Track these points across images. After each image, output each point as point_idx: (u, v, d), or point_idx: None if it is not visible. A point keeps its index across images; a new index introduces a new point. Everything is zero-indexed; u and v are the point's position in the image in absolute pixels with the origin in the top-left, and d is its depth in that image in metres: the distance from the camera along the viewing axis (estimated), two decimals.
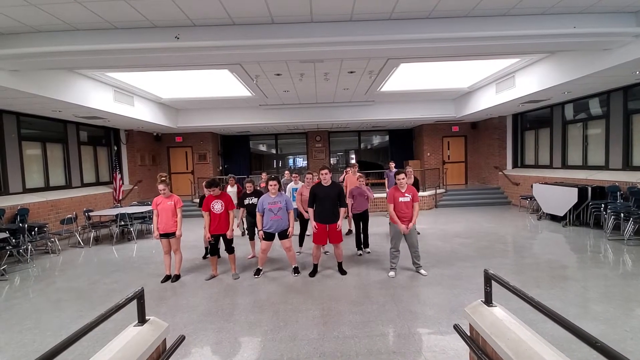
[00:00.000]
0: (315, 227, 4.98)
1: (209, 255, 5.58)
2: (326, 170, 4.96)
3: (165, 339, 2.02)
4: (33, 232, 6.78)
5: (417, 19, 5.00)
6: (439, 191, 11.74)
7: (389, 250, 5.14)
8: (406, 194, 4.85)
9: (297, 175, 7.42)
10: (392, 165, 9.25)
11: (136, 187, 11.72)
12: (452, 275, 4.99)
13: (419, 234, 7.32)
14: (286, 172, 8.81)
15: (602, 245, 6.29)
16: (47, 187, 8.63)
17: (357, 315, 3.79)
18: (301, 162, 17.00)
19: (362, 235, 6.27)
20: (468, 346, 2.05)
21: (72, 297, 4.67)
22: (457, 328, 2.19)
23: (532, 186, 9.40)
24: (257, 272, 5.28)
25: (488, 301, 2.01)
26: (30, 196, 7.91)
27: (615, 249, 5.97)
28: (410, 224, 4.87)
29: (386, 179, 9.65)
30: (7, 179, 7.58)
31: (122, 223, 7.90)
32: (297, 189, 6.62)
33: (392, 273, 5.03)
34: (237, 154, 15.75)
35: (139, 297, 1.90)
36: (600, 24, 5.01)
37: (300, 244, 6.54)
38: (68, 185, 9.32)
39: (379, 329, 3.48)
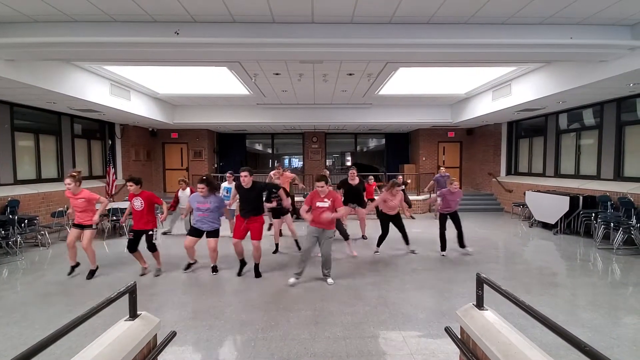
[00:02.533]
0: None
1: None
2: (246, 173, 4.93)
3: (156, 334, 2.00)
4: (23, 225, 6.69)
5: (417, 24, 5.03)
6: (433, 196, 11.78)
7: (372, 253, 5.10)
8: (325, 199, 4.68)
9: (230, 175, 7.60)
10: (443, 170, 9.62)
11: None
12: (444, 279, 5.02)
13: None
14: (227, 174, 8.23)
15: (591, 254, 6.37)
16: (39, 179, 8.52)
17: (348, 316, 3.80)
18: (297, 162, 17.00)
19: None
20: (459, 349, 2.07)
21: (61, 291, 4.61)
22: (448, 331, 2.20)
23: (524, 194, 9.50)
24: (188, 266, 5.41)
25: (479, 304, 2.02)
26: (21, 188, 7.80)
27: (605, 258, 6.05)
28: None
29: (435, 183, 9.72)
30: None
31: (114, 218, 7.83)
32: (230, 188, 6.96)
33: (292, 280, 4.78)
34: (233, 153, 15.69)
35: (131, 291, 1.89)
36: (597, 36, 5.09)
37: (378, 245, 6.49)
38: (60, 178, 9.20)
39: (371, 331, 3.49)
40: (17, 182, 7.90)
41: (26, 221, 6.75)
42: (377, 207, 6.35)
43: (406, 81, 8.61)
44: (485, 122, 11.99)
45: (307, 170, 14.96)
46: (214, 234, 5.17)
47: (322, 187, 4.62)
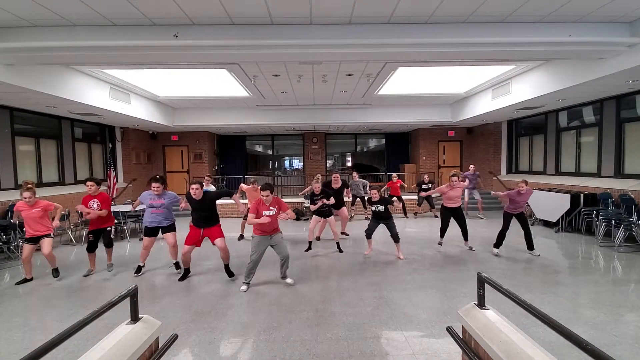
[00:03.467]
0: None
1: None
2: (197, 185, 4.91)
3: (157, 337, 2.01)
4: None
5: (415, 24, 5.04)
6: (433, 195, 11.77)
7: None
8: (271, 207, 4.68)
9: (209, 177, 8.02)
10: (472, 167, 10.02)
11: (130, 185, 11.63)
12: (445, 278, 5.01)
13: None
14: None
15: (593, 251, 6.36)
16: (40, 184, 8.52)
17: (350, 317, 3.80)
18: (297, 163, 17.00)
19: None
20: (461, 348, 2.07)
21: (62, 295, 4.62)
22: (450, 330, 2.20)
23: None
24: (138, 269, 5.41)
25: (481, 304, 2.02)
26: None
27: (606, 256, 6.04)
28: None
29: (467, 181, 9.65)
30: None
31: (115, 221, 7.82)
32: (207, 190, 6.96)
33: (244, 287, 4.70)
34: (234, 154, 15.70)
35: (132, 294, 1.89)
36: (595, 33, 5.09)
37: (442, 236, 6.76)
38: (61, 182, 9.22)
39: (372, 331, 3.49)
40: (18, 186, 7.91)
41: None
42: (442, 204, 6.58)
43: (405, 81, 8.62)
44: (485, 121, 11.99)
45: (307, 171, 14.96)
46: (170, 228, 5.31)
47: (267, 196, 4.60)
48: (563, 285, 4.67)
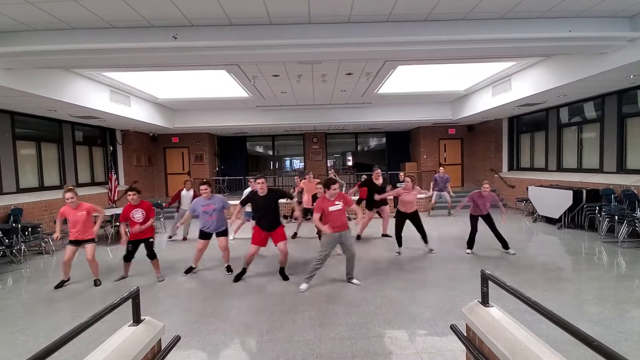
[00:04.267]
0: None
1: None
2: (262, 180, 4.86)
3: (160, 339, 2.00)
4: (27, 232, 6.71)
5: (414, 22, 5.02)
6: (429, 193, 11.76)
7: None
8: (336, 202, 4.58)
9: (253, 180, 7.62)
10: (442, 170, 9.87)
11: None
12: (448, 276, 5.00)
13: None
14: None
15: (596, 247, 6.33)
16: (42, 187, 8.55)
17: (353, 317, 3.78)
18: (298, 163, 17.00)
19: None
20: (465, 346, 2.05)
21: (65, 298, 4.62)
22: (453, 328, 2.18)
23: (527, 189, 9.45)
24: (189, 269, 5.41)
25: (485, 301, 2.01)
26: (24, 196, 7.82)
27: (610, 252, 6.01)
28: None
29: (433, 182, 9.92)
30: (1, 179, 7.49)
31: (117, 224, 7.83)
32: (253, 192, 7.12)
33: (304, 286, 4.61)
34: (234, 155, 15.70)
35: (134, 296, 1.88)
36: (596, 28, 5.07)
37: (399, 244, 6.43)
38: (62, 186, 9.23)
39: (376, 330, 3.48)
40: (20, 190, 7.93)
41: (30, 229, 6.78)
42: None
43: (405, 79, 8.60)
44: (486, 118, 11.96)
45: (308, 171, 14.92)
46: (224, 232, 5.33)
47: (335, 189, 4.54)
48: (567, 282, 4.65)
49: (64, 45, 4.87)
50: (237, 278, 5.04)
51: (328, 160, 16.02)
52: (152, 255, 5.18)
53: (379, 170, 7.28)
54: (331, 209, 4.54)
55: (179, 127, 12.03)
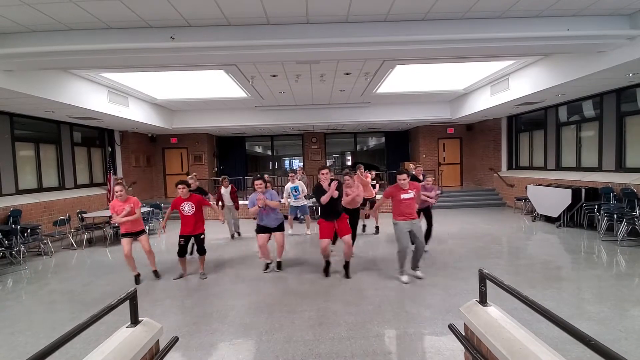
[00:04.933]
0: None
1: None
2: (326, 170, 4.96)
3: (158, 340, 1.99)
4: (26, 234, 6.70)
5: (412, 21, 5.02)
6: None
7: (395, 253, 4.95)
8: (409, 190, 4.73)
9: (293, 174, 8.09)
10: (412, 166, 9.53)
11: (130, 188, 11.63)
12: (447, 275, 4.99)
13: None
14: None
15: (595, 246, 6.33)
16: (40, 189, 8.54)
17: (352, 316, 3.78)
18: (297, 163, 16.99)
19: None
20: (463, 346, 2.05)
21: (65, 299, 4.62)
22: (452, 328, 2.18)
23: (526, 188, 9.45)
24: (267, 266, 5.44)
25: (483, 301, 2.01)
26: (23, 197, 7.82)
27: (609, 250, 6.01)
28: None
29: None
30: (0, 180, 7.49)
31: (116, 224, 7.82)
32: (296, 187, 7.54)
33: (405, 277, 4.76)
34: (233, 156, 15.70)
35: (132, 297, 1.88)
36: (594, 27, 5.06)
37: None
38: (61, 187, 9.23)
39: (375, 330, 3.47)
40: (19, 191, 7.92)
41: (29, 230, 6.77)
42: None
43: (404, 79, 8.59)
44: (485, 117, 11.96)
45: (307, 171, 14.93)
46: (280, 227, 5.33)
47: (405, 179, 4.68)
48: (566, 281, 4.65)
49: (62, 46, 4.86)
50: (326, 272, 5.14)
51: (327, 160, 16.02)
52: (201, 250, 5.25)
53: (373, 172, 7.55)
54: (403, 196, 4.68)
55: (177, 128, 12.02)
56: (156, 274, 5.29)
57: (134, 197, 5.16)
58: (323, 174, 4.93)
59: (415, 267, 4.94)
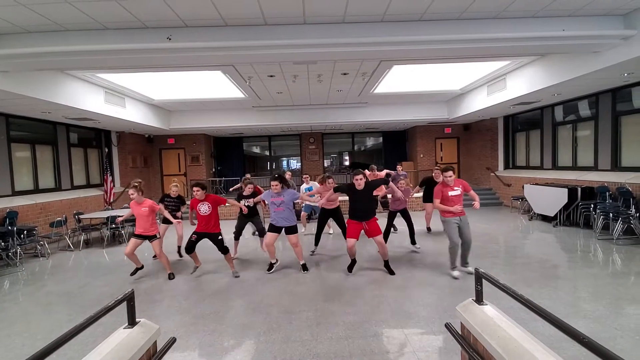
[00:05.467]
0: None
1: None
2: (361, 176, 4.94)
3: (155, 341, 1.99)
4: (22, 235, 6.68)
5: (409, 22, 5.04)
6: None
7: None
8: (455, 188, 4.83)
9: (307, 175, 8.46)
10: (400, 168, 9.48)
11: (127, 189, 11.59)
12: (445, 275, 5.01)
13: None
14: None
15: (591, 244, 6.37)
16: (37, 190, 8.50)
17: (350, 316, 3.79)
18: (295, 164, 16.99)
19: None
20: (459, 344, 2.06)
21: (62, 301, 4.60)
22: (448, 327, 2.20)
23: (523, 187, 9.50)
24: (270, 266, 5.45)
25: (479, 300, 2.02)
26: (19, 199, 7.78)
27: (605, 249, 6.05)
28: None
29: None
30: None
31: (113, 226, 7.81)
32: (310, 188, 7.62)
33: (456, 273, 4.85)
34: (231, 156, 15.69)
35: (129, 298, 1.88)
36: (589, 27, 5.10)
37: (316, 244, 6.49)
38: (58, 188, 9.19)
39: (373, 330, 3.48)
40: (15, 193, 7.88)
41: (25, 232, 6.75)
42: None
43: (401, 79, 8.62)
44: (482, 117, 12.00)
45: (305, 171, 14.94)
46: (292, 229, 5.26)
47: (450, 176, 4.76)
48: (562, 279, 4.68)
49: (58, 47, 4.84)
50: (350, 269, 5.21)
51: (325, 161, 16.03)
52: (223, 250, 5.23)
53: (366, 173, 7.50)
54: (451, 194, 4.77)
55: (174, 129, 12.00)
56: (171, 276, 5.27)
57: (149, 199, 5.24)
58: (357, 179, 4.90)
59: (465, 263, 5.05)
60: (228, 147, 15.65)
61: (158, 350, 2.00)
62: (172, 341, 2.07)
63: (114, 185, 10.71)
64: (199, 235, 5.16)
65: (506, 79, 8.39)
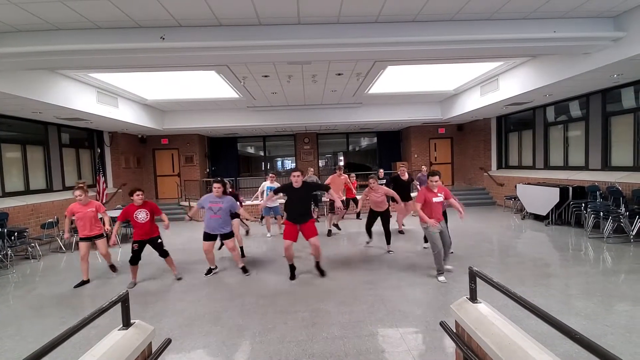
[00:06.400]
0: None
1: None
2: (298, 173, 4.94)
3: (150, 342, 1.98)
4: (13, 237, 6.58)
5: (403, 22, 5.07)
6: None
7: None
8: (438, 194, 4.78)
9: (273, 175, 8.04)
10: (425, 169, 9.55)
11: (120, 190, 11.50)
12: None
13: (402, 233, 7.63)
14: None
15: (583, 243, 6.46)
16: (27, 191, 8.39)
17: (346, 316, 3.80)
18: (290, 164, 16.97)
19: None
20: (454, 342, 2.08)
21: (54, 304, 4.54)
22: (443, 325, 2.22)
23: (516, 187, 9.60)
24: (209, 271, 5.43)
25: (473, 298, 2.04)
26: (9, 200, 7.66)
27: (596, 247, 6.14)
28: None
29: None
30: None
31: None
32: (272, 187, 7.34)
33: (442, 278, 4.75)
34: (225, 156, 15.61)
35: (124, 300, 1.87)
36: (580, 29, 5.18)
37: (370, 236, 6.57)
38: (49, 189, 9.07)
39: (368, 329, 3.50)
40: (5, 194, 7.76)
41: (16, 234, 6.65)
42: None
43: (395, 79, 8.66)
44: (475, 118, 12.11)
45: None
46: (229, 235, 5.25)
47: (436, 181, 4.69)
48: (554, 277, 4.74)
49: (49, 46, 4.78)
50: (292, 277, 5.08)
51: (320, 161, 16.03)
52: (163, 253, 5.16)
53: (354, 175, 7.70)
54: (434, 200, 4.71)
55: (168, 129, 11.91)
56: (112, 268, 5.34)
57: (94, 200, 5.23)
58: (294, 176, 4.89)
59: (445, 265, 5.00)
60: (222, 147, 15.57)
61: (153, 351, 1.99)
62: (168, 342, 2.06)
63: (106, 186, 10.60)
64: (140, 244, 5.03)
65: (499, 80, 8.48)
